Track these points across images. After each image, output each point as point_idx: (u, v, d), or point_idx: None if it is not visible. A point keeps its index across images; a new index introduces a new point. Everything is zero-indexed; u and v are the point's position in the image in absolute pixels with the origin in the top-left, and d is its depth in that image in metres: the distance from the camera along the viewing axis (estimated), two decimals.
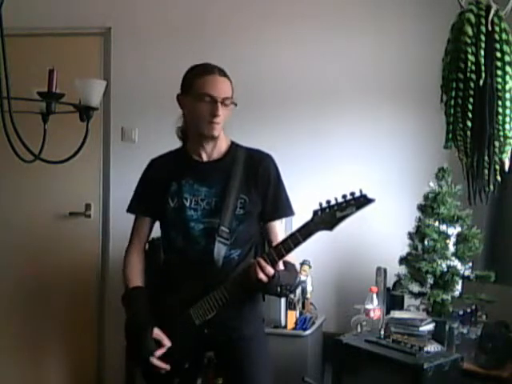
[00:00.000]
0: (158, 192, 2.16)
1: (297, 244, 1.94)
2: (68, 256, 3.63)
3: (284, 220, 2.30)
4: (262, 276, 1.94)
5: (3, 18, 1.61)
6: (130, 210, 2.26)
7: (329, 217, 1.89)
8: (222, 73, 2.11)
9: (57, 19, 3.58)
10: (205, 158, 2.16)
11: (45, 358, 3.69)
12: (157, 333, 2.04)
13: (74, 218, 3.62)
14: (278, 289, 2.02)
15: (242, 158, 2.16)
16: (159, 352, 2.03)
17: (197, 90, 2.07)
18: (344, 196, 1.88)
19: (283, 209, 2.20)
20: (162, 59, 3.50)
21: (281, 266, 2.00)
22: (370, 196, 1.86)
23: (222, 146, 2.18)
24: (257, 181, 2.14)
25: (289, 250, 1.95)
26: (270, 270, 1.95)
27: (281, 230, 2.21)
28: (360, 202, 1.86)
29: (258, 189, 2.14)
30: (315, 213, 1.91)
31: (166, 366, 2.04)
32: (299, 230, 1.93)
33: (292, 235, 1.95)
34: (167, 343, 2.05)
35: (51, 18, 3.58)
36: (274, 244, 2.04)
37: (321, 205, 1.90)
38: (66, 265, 3.61)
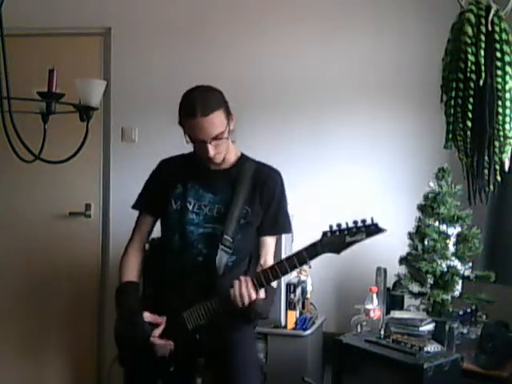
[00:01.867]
0: (163, 192, 2.18)
1: (302, 263, 1.95)
2: (68, 256, 3.63)
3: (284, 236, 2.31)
4: (245, 298, 1.93)
5: (3, 18, 1.62)
6: (135, 206, 2.28)
7: (338, 240, 1.88)
8: (206, 110, 1.98)
9: (57, 19, 3.58)
10: (213, 166, 2.18)
11: (45, 358, 3.69)
12: (147, 315, 2.04)
13: (73, 218, 3.62)
14: (252, 315, 2.05)
15: (250, 170, 2.17)
16: (157, 331, 2.03)
17: (187, 131, 2.07)
18: (355, 222, 1.87)
19: (281, 225, 2.21)
20: (161, 59, 3.50)
21: (262, 294, 2.00)
22: (381, 225, 1.85)
23: (231, 157, 2.19)
24: (262, 194, 2.15)
25: (293, 267, 1.96)
26: (252, 295, 1.94)
27: (272, 246, 2.21)
28: (371, 230, 1.86)
29: (262, 202, 2.16)
30: (324, 234, 1.90)
31: (169, 342, 2.03)
32: (306, 249, 1.93)
33: (298, 253, 1.94)
34: (161, 320, 2.05)
35: (51, 17, 3.58)
36: (268, 265, 2.06)
37: (331, 227, 1.89)
38: (65, 265, 3.61)
